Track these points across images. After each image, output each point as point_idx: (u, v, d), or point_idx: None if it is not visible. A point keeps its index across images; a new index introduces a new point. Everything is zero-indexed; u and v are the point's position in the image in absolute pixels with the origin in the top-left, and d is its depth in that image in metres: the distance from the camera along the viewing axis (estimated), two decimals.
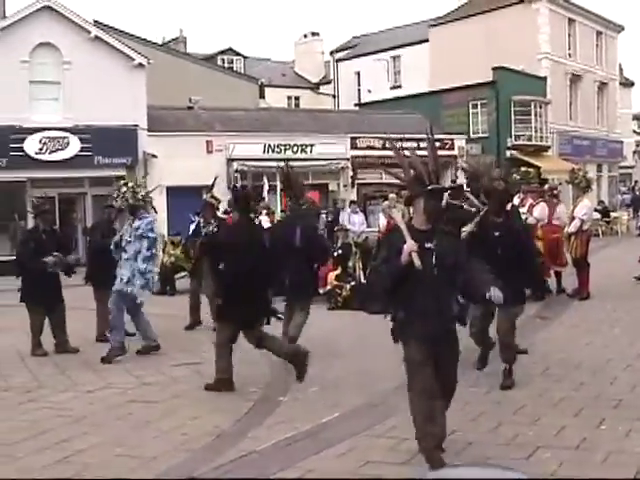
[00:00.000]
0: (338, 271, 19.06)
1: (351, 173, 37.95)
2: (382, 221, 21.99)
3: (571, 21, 52.20)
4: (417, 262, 6.92)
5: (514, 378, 10.41)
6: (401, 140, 39.04)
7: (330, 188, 37.97)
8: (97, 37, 32.61)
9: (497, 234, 10.40)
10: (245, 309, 10.26)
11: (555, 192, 19.69)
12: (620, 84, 60.99)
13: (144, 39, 43.12)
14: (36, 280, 13.57)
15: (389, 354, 12.19)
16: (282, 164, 12.58)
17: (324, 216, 29.56)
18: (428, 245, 7.19)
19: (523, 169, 24.49)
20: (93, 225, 17.90)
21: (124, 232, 13.30)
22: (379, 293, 8.21)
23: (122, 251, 13.22)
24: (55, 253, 13.76)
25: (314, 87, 67.29)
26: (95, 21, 36.44)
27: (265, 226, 22.65)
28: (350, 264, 19.36)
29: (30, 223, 29.73)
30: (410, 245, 6.99)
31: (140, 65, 33.24)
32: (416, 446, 7.64)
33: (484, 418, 8.76)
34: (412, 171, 7.79)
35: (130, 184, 13.53)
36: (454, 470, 2.00)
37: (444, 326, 7.30)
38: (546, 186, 20.47)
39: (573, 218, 18.38)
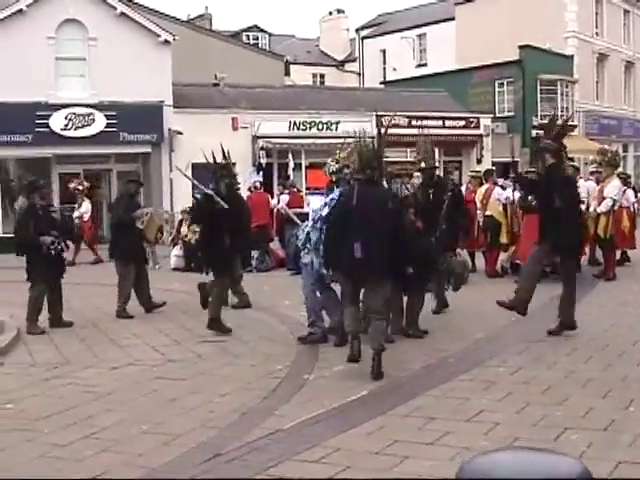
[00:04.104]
0: None
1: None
2: None
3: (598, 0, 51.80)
4: None
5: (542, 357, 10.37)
6: (426, 118, 39.12)
7: None
8: (123, 13, 32.58)
9: None
10: None
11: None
12: None
13: (169, 15, 43.08)
14: (42, 256, 13.55)
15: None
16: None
17: None
18: None
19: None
20: (115, 200, 17.89)
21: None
22: None
23: None
24: (53, 232, 13.76)
25: (339, 65, 67.12)
26: None
27: (283, 204, 22.80)
28: None
29: (56, 198, 30.23)
30: None
31: (166, 42, 33.22)
32: (444, 426, 7.65)
33: (511, 398, 8.69)
34: None
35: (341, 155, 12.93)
36: (502, 454, 1.92)
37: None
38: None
39: (603, 198, 18.17)
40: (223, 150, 13.85)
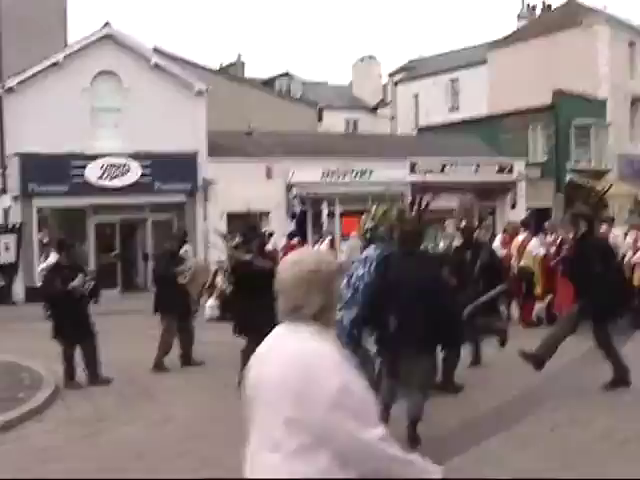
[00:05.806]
0: None
1: (410, 198, 37.60)
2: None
3: (632, 44, 51.68)
4: None
5: None
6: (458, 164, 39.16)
7: None
8: (157, 65, 32.89)
9: None
10: None
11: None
12: None
13: (203, 66, 43.48)
14: (65, 313, 13.65)
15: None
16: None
17: None
18: None
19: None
20: (158, 255, 17.99)
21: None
22: None
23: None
24: (79, 275, 13.80)
25: (372, 110, 67.29)
26: (155, 49, 36.87)
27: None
28: None
29: (92, 248, 30.51)
30: None
31: (200, 92, 33.47)
32: None
33: (548, 458, 8.63)
34: None
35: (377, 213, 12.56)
36: None
37: None
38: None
39: (638, 248, 17.99)
40: (249, 212, 13.90)
